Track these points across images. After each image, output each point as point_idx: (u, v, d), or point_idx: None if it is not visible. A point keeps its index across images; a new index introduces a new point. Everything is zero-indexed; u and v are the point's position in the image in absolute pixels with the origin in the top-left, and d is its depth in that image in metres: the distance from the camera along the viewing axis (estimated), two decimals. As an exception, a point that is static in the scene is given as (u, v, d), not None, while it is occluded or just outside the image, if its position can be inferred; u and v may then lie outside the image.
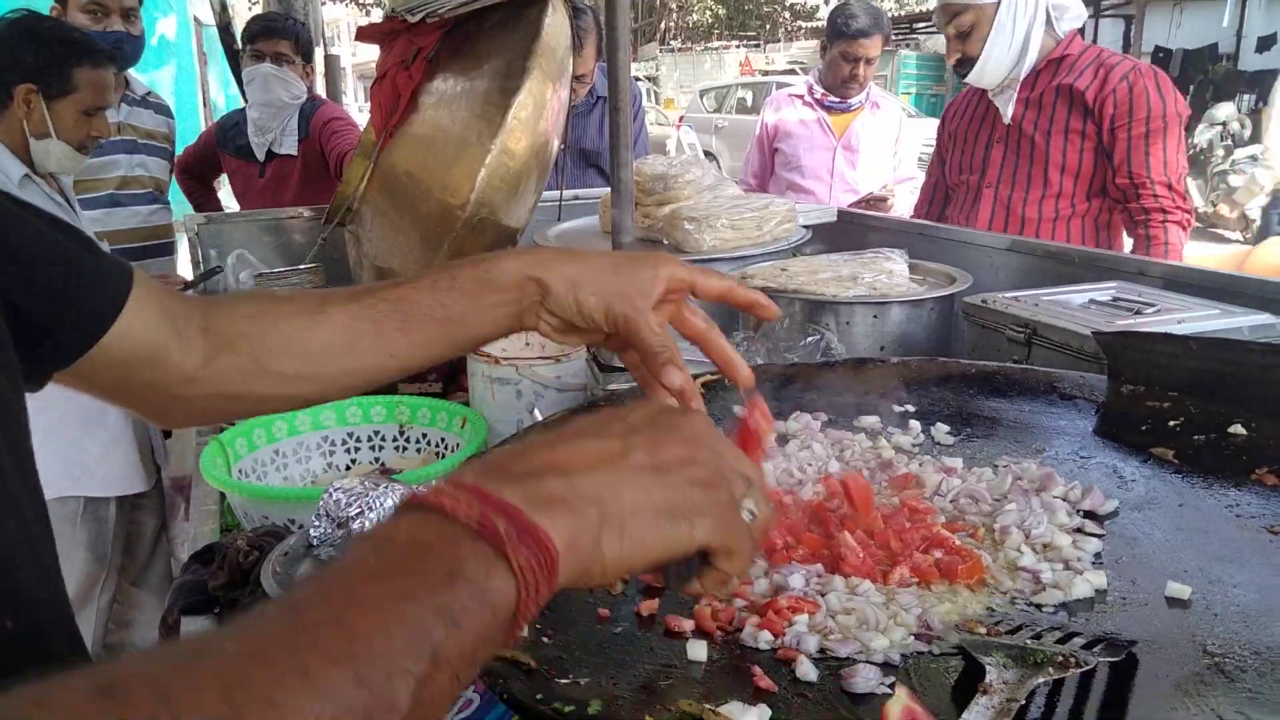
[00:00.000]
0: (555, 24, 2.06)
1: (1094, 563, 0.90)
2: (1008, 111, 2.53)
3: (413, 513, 0.49)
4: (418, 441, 1.88)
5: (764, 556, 0.91)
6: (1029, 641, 0.73)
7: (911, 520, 0.91)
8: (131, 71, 3.24)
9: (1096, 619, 0.81)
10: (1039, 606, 0.83)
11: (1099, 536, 0.94)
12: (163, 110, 3.32)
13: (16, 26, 2.24)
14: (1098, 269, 1.93)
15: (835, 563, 0.88)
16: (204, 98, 6.30)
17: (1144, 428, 1.15)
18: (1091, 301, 1.60)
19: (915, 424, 1.22)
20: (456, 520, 0.47)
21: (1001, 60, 2.46)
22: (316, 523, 1.28)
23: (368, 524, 1.25)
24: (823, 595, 0.83)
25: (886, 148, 3.68)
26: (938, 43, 23.36)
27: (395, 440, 1.89)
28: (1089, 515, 0.99)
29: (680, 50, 26.07)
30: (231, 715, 0.37)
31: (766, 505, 0.61)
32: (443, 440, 1.85)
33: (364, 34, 2.30)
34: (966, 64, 2.53)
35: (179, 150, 3.49)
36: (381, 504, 1.28)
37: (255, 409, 0.98)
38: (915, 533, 0.89)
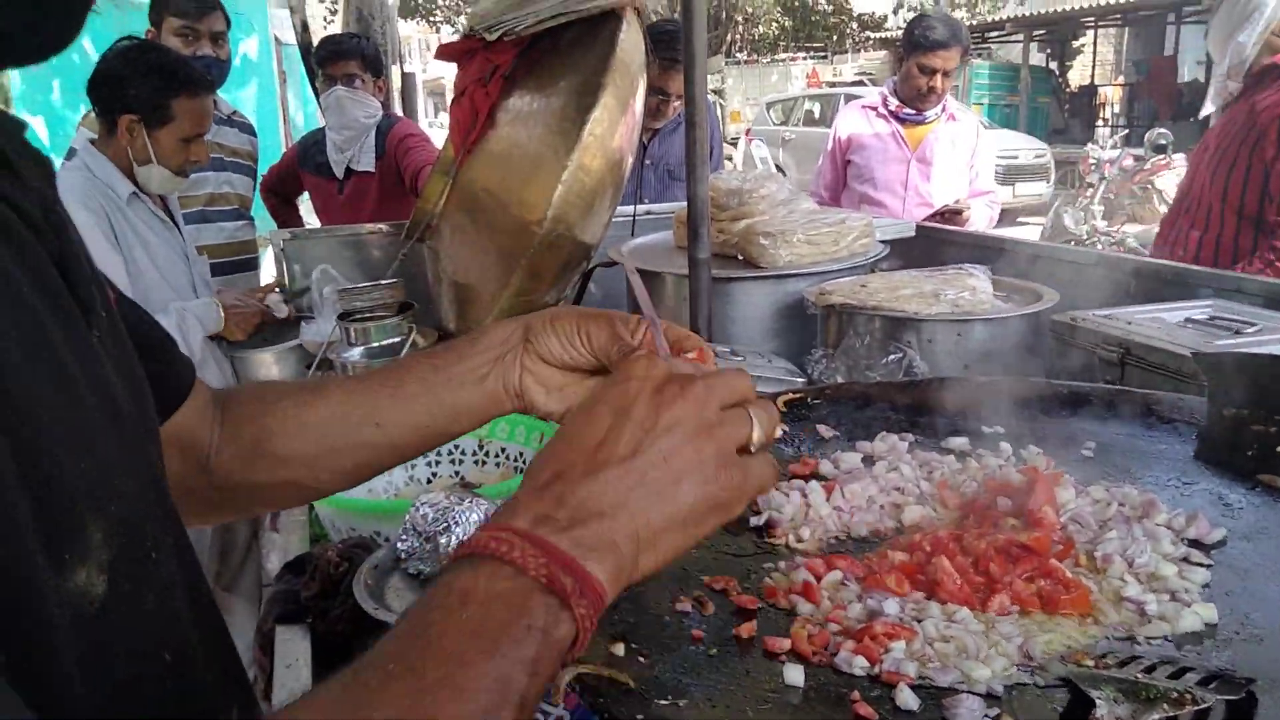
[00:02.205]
0: (630, 40, 2.07)
1: (1202, 594, 0.87)
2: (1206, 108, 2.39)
3: (488, 564, 0.55)
4: (497, 455, 1.90)
5: (860, 580, 0.90)
6: (1140, 676, 0.71)
7: (1022, 552, 0.88)
8: (218, 92, 3.36)
9: (1208, 654, 0.78)
10: (1146, 639, 0.80)
11: (1206, 566, 0.91)
12: (247, 129, 3.44)
13: (122, 58, 2.35)
14: (1190, 286, 1.87)
15: (931, 588, 0.87)
16: (284, 115, 6.50)
17: (1250, 453, 1.11)
18: (1188, 320, 1.55)
19: (1006, 446, 1.19)
20: (527, 574, 0.54)
21: (1214, 51, 2.32)
22: (404, 537, 1.31)
23: (454, 540, 1.27)
24: (919, 621, 0.82)
25: (962, 160, 3.62)
26: (1011, 52, 22.88)
27: (475, 454, 1.91)
28: (1194, 544, 0.95)
29: (746, 62, 26.03)
30: None
31: (768, 419, 0.65)
32: (521, 454, 1.87)
33: (443, 52, 2.35)
34: None
35: (262, 168, 3.61)
36: (466, 518, 1.30)
37: (255, 503, 0.92)
38: (1024, 563, 0.87)
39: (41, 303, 0.54)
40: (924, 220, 3.35)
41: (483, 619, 0.53)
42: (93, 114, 2.49)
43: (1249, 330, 1.46)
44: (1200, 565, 0.91)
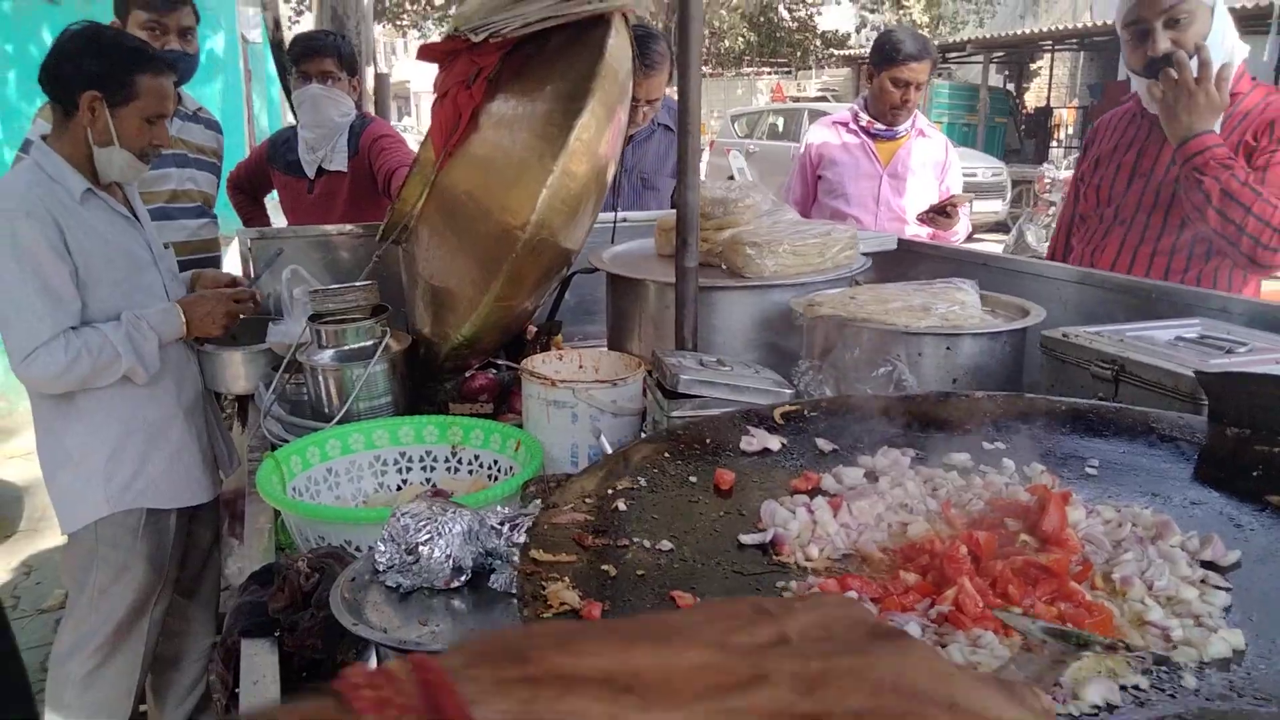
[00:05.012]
0: (618, 46, 2.04)
1: (1225, 619, 0.85)
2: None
3: None
4: (469, 463, 1.85)
5: (875, 602, 0.86)
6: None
7: (1041, 574, 0.85)
8: (184, 88, 3.27)
9: (1240, 682, 0.76)
10: (1178, 666, 0.78)
11: (1227, 590, 0.89)
12: (212, 125, 3.34)
13: (80, 37, 2.25)
14: (1173, 304, 1.88)
15: (952, 612, 0.83)
16: (249, 114, 6.36)
17: (1255, 473, 1.10)
18: (1178, 338, 1.54)
19: (1009, 462, 1.17)
20: None
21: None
22: (382, 547, 1.25)
23: (436, 550, 1.22)
24: (943, 647, 0.79)
25: (933, 176, 3.64)
26: (970, 72, 23.26)
27: (447, 461, 1.86)
28: (1208, 566, 0.93)
29: (711, 75, 26.19)
30: None
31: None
32: (495, 463, 1.82)
33: (425, 52, 2.29)
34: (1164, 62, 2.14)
35: (226, 165, 3.51)
36: (450, 529, 1.25)
37: None
38: (1043, 586, 0.84)
39: None
40: (922, 214, 3.37)
41: None
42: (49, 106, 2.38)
43: (1241, 350, 1.46)
44: (1220, 588, 0.89)
